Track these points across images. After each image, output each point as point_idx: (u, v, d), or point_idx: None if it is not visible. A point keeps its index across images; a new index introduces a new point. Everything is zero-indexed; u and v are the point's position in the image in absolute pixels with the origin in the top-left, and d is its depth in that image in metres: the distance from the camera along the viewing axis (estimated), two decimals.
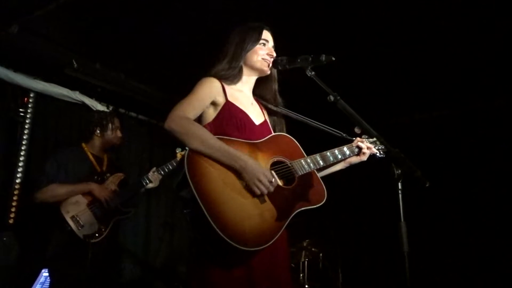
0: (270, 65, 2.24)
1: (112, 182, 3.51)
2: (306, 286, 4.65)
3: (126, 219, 3.61)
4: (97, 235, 3.25)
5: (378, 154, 2.44)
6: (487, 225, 4.92)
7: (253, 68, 2.23)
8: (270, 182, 1.92)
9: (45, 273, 3.56)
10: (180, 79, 2.96)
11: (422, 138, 5.38)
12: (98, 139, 3.61)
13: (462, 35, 3.81)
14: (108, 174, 3.55)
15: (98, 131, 3.60)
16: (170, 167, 3.65)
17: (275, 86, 2.36)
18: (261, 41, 2.23)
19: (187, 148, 1.92)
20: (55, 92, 4.38)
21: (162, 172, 3.65)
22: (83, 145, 3.59)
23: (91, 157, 3.55)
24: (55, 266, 3.22)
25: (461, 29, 3.72)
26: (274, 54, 2.25)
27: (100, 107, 4.68)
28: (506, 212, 4.84)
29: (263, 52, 2.22)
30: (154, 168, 3.64)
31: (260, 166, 1.94)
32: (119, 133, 3.71)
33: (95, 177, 3.47)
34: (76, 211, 3.24)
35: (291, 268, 4.65)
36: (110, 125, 3.64)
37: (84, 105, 4.60)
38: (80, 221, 3.21)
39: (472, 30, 3.74)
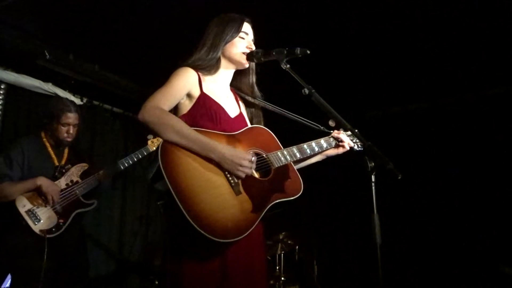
0: None
1: (74, 173, 3.34)
2: (282, 278, 4.68)
3: (88, 211, 3.41)
4: (54, 229, 3.07)
5: (355, 147, 2.46)
6: (459, 217, 5.02)
7: (231, 60, 2.20)
8: (251, 161, 1.93)
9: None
10: (155, 71, 2.92)
11: (396, 131, 5.45)
12: (49, 130, 3.33)
13: (436, 29, 3.87)
14: (69, 165, 3.35)
15: (45, 122, 3.33)
16: (140, 156, 3.62)
17: (253, 79, 2.34)
18: (241, 34, 2.19)
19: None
20: (27, 84, 4.27)
21: (130, 162, 3.59)
22: (42, 134, 3.36)
23: (49, 148, 3.33)
24: (13, 264, 3.06)
25: (435, 23, 3.78)
26: (253, 48, 2.21)
27: (73, 99, 4.55)
28: (479, 205, 4.95)
29: (242, 44, 2.19)
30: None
31: (236, 151, 1.93)
32: (71, 130, 3.33)
33: (55, 172, 3.27)
34: (33, 205, 3.08)
35: (267, 260, 4.68)
36: (56, 119, 3.28)
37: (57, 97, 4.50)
38: (36, 215, 3.05)
39: (446, 24, 3.80)
